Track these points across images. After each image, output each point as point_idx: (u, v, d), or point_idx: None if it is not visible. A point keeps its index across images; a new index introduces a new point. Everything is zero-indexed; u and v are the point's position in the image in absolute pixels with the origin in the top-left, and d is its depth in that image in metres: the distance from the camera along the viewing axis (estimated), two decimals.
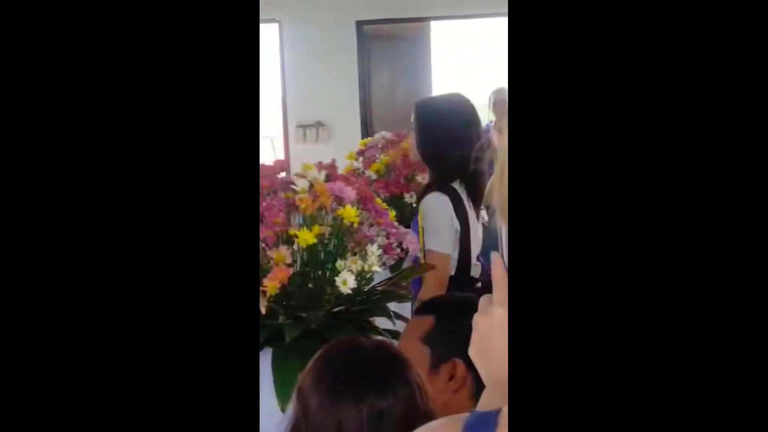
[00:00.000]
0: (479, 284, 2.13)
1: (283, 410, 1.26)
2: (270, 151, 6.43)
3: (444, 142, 2.12)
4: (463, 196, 2.09)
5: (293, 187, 1.61)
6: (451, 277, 2.07)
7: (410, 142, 2.29)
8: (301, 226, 1.57)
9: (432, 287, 1.98)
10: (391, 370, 1.18)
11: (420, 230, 2.08)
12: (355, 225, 1.59)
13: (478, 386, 1.14)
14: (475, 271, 2.16)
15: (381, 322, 1.68)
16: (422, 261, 2.02)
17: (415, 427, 0.97)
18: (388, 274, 1.81)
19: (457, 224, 2.06)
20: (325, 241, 1.59)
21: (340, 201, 1.60)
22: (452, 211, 2.06)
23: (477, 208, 2.12)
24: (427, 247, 2.04)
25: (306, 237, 1.54)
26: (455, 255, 2.08)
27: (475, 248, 2.13)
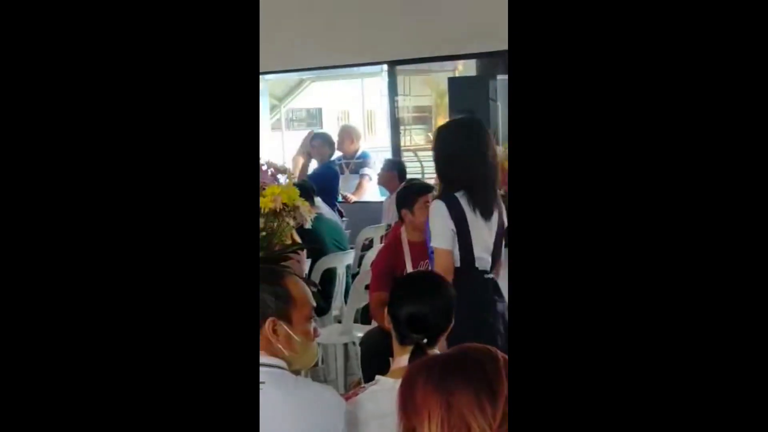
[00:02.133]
0: (491, 275, 2.61)
1: None
2: None
3: (451, 160, 2.58)
4: (464, 203, 2.50)
5: None
6: (457, 269, 2.51)
7: None
8: None
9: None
10: None
11: (430, 231, 2.58)
12: None
13: None
14: (483, 264, 2.59)
15: None
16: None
17: None
18: None
19: (452, 226, 2.49)
20: None
21: None
22: (448, 215, 2.49)
23: (483, 213, 2.54)
24: (431, 244, 2.55)
25: None
26: (456, 251, 2.51)
27: (479, 246, 2.55)
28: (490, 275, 2.62)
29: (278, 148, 8.73)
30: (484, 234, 2.56)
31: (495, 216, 2.59)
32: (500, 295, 2.61)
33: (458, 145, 2.58)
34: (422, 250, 3.02)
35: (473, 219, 2.51)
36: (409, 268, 3.21)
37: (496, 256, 2.64)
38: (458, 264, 2.53)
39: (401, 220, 3.35)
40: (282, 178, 2.43)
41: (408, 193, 3.33)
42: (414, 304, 1.88)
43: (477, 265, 2.56)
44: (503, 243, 2.66)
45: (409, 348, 1.80)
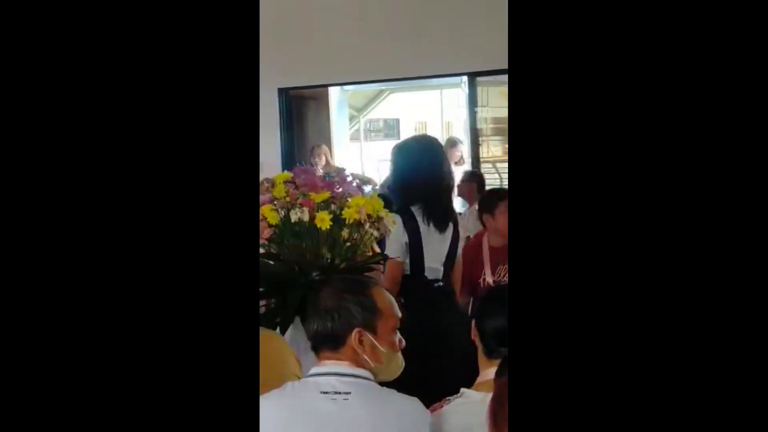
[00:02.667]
0: (440, 284, 2.77)
1: None
2: None
3: (407, 176, 2.77)
4: (419, 216, 2.70)
5: None
6: (407, 276, 2.70)
7: None
8: None
9: (388, 284, 2.61)
10: None
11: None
12: None
13: None
14: (435, 273, 2.77)
15: None
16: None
17: None
18: None
19: (406, 239, 2.68)
20: None
21: None
22: (402, 228, 2.66)
23: (438, 225, 2.72)
24: (386, 253, 2.71)
25: None
26: (407, 261, 2.70)
27: (431, 257, 2.73)
28: (441, 283, 2.79)
29: (356, 158, 8.80)
30: (436, 245, 2.75)
31: (450, 228, 2.78)
32: (450, 302, 2.80)
33: (414, 162, 2.76)
34: (503, 254, 3.12)
35: (426, 232, 2.71)
36: (488, 274, 3.26)
37: (448, 265, 2.81)
38: (409, 272, 2.71)
39: (483, 226, 3.40)
40: (367, 189, 2.46)
41: (490, 199, 3.39)
42: (502, 317, 1.86)
43: (427, 273, 2.74)
44: (457, 253, 2.86)
45: (496, 362, 1.79)
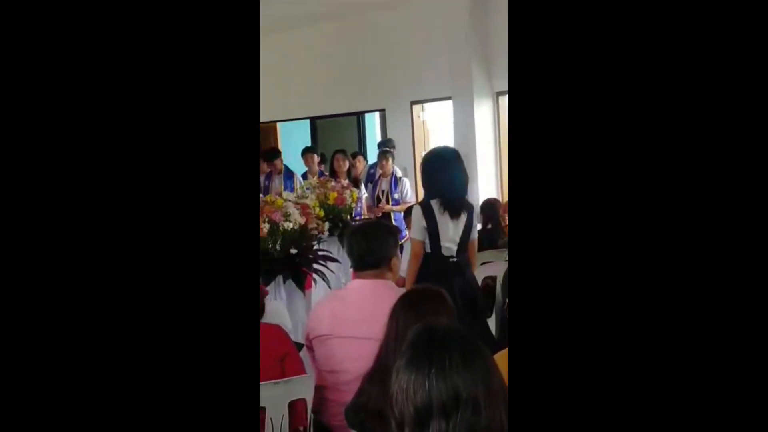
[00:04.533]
0: (455, 259, 3.62)
1: None
2: None
3: (430, 176, 3.66)
4: (436, 208, 3.53)
5: None
6: (428, 254, 3.56)
7: None
8: None
9: (412, 259, 3.56)
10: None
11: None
12: None
13: None
14: (450, 251, 3.61)
15: None
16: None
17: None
18: None
19: (424, 223, 3.54)
20: None
21: None
22: (422, 216, 3.54)
23: (452, 215, 3.56)
24: (410, 236, 3.67)
25: None
26: (427, 241, 3.55)
27: (446, 238, 3.56)
28: (455, 259, 3.61)
29: None
30: (450, 230, 3.56)
31: (463, 216, 3.58)
32: (461, 273, 3.60)
33: (436, 166, 3.63)
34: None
35: (442, 219, 3.54)
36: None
37: (462, 245, 3.60)
38: (429, 250, 3.56)
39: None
40: None
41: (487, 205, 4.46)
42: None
43: (443, 252, 3.58)
44: (470, 236, 3.63)
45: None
